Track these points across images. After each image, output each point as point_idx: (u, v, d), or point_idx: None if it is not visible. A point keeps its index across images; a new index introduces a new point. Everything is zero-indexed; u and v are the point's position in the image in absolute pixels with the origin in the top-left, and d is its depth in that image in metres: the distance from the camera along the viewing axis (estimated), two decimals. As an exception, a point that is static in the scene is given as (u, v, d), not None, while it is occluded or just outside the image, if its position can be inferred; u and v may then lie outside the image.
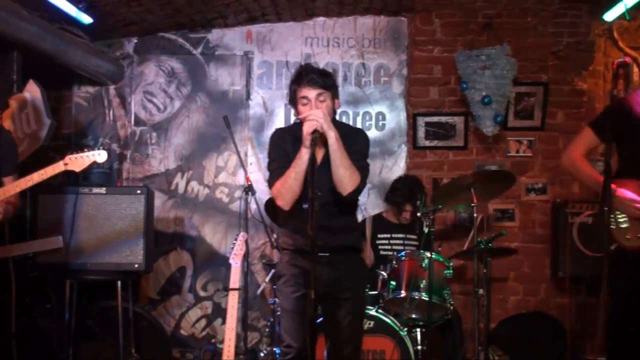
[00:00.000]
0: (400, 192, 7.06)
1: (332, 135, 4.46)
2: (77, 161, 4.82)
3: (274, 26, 8.13)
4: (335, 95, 4.70)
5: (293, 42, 8.13)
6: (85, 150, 4.87)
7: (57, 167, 4.82)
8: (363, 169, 4.70)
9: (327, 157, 4.56)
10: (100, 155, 4.84)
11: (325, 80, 4.64)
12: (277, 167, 4.73)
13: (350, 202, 4.77)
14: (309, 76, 4.62)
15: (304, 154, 4.43)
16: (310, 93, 4.58)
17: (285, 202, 4.63)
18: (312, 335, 4.11)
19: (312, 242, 4.04)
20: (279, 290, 4.96)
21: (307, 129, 4.40)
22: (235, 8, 7.56)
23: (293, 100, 4.71)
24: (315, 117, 4.42)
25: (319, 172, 4.46)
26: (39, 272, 6.71)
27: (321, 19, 8.08)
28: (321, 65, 7.79)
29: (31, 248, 6.38)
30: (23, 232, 6.79)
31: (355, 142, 4.74)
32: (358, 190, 4.63)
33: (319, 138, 4.43)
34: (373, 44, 8.11)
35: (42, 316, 7.00)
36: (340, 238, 4.75)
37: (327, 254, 4.62)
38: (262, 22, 8.07)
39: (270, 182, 4.76)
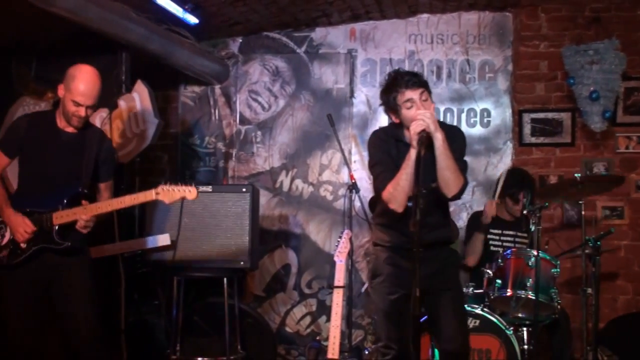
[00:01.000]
0: (513, 181, 6.98)
1: (439, 137, 4.46)
2: (169, 193, 4.85)
3: (378, 24, 8.08)
4: (431, 95, 4.70)
5: (397, 39, 8.05)
6: (179, 184, 4.89)
7: (149, 195, 4.86)
8: (464, 169, 4.73)
9: (427, 156, 4.50)
10: (190, 192, 4.86)
11: (421, 79, 4.67)
12: (383, 170, 4.75)
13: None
14: (407, 78, 4.65)
15: (412, 154, 4.45)
16: (414, 94, 4.59)
17: (398, 204, 4.62)
18: (416, 335, 4.30)
19: (417, 239, 4.03)
20: (374, 289, 5.00)
21: (415, 128, 4.41)
22: (338, 6, 7.55)
23: (393, 107, 4.70)
24: (424, 117, 4.41)
25: (422, 169, 4.41)
26: (148, 269, 6.83)
27: (425, 15, 7.99)
28: (425, 63, 7.90)
29: (140, 246, 6.51)
30: (132, 229, 6.94)
31: (454, 140, 4.70)
32: (462, 192, 4.66)
33: (425, 138, 4.42)
34: (478, 40, 7.99)
35: (150, 312, 7.13)
36: (437, 233, 4.78)
37: (424, 250, 4.45)
38: (366, 20, 8.03)
39: (379, 187, 4.77)
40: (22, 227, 4.91)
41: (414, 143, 4.42)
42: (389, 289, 4.77)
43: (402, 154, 4.60)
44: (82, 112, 4.93)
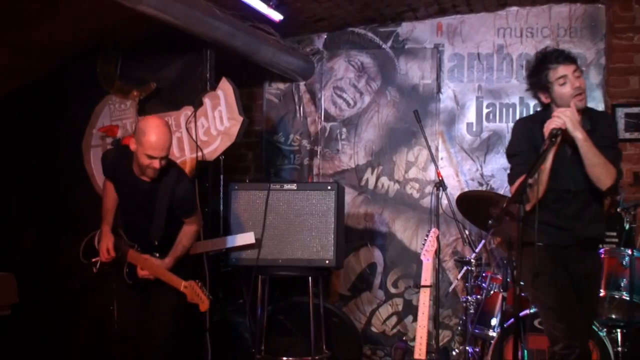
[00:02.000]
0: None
1: (579, 137, 4.48)
2: (191, 292, 5.25)
3: (465, 17, 8.02)
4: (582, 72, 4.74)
5: (485, 33, 7.98)
6: (204, 290, 5.29)
7: (179, 284, 5.30)
8: (616, 157, 4.71)
9: (569, 153, 4.60)
10: (203, 303, 5.27)
11: (573, 56, 4.72)
12: (519, 162, 4.80)
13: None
14: (558, 54, 4.68)
15: (549, 154, 4.49)
16: (568, 70, 4.61)
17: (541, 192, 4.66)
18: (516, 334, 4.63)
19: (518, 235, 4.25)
20: (537, 288, 4.86)
21: (549, 125, 4.46)
22: (425, 1, 7.55)
23: (544, 85, 4.70)
24: (561, 114, 4.45)
25: (570, 163, 4.59)
26: (232, 267, 6.87)
27: (514, 8, 7.92)
28: (514, 57, 7.82)
29: (224, 244, 6.54)
30: (217, 227, 6.99)
31: (604, 127, 4.74)
32: (616, 184, 4.68)
33: (562, 135, 4.46)
34: (569, 33, 7.84)
35: (235, 311, 7.19)
36: (593, 228, 4.76)
37: (579, 246, 4.71)
38: (453, 14, 8.00)
39: (511, 179, 4.85)
40: (106, 249, 5.45)
41: (547, 141, 4.45)
42: (554, 288, 4.73)
43: None
44: (156, 164, 5.12)
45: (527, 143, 4.77)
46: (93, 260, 5.64)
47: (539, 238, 4.68)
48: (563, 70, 4.59)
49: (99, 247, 5.47)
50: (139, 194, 5.32)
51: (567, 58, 4.64)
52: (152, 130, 5.06)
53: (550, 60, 4.65)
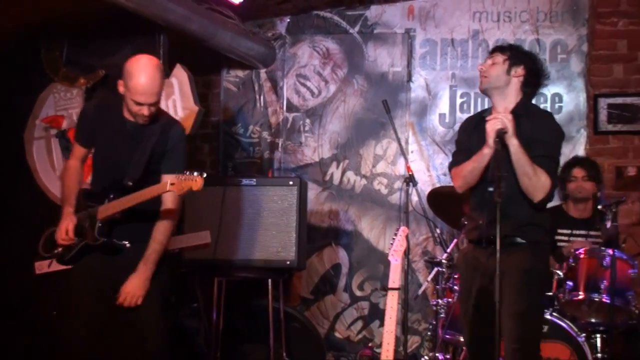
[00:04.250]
0: (566, 163, 6.91)
1: (514, 144, 4.53)
2: (180, 184, 4.69)
3: (438, 0, 7.97)
4: (515, 60, 4.76)
5: (459, 17, 7.92)
6: (189, 173, 4.72)
7: (164, 187, 4.76)
8: (551, 171, 4.71)
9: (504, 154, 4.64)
10: (195, 182, 4.66)
11: (505, 44, 4.89)
12: (456, 150, 5.03)
13: None
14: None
15: (486, 153, 4.58)
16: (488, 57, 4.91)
17: (458, 187, 4.89)
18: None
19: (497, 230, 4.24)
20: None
21: (494, 125, 4.51)
22: None
23: None
24: (505, 118, 4.50)
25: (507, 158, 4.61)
26: (186, 269, 6.87)
27: None
28: (490, 43, 7.73)
29: (178, 244, 6.42)
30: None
31: (543, 132, 4.77)
32: (549, 196, 4.70)
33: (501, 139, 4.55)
34: (549, 17, 7.79)
35: (189, 316, 7.17)
36: (523, 229, 4.73)
37: (504, 244, 4.54)
38: None
39: (450, 165, 5.04)
40: (65, 230, 4.94)
41: (490, 142, 4.51)
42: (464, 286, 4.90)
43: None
44: (145, 111, 4.85)
45: (464, 138, 4.95)
46: (54, 252, 5.23)
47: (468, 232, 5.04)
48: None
49: (58, 228, 4.98)
50: (122, 137, 5.04)
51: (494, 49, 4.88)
52: (140, 72, 4.78)
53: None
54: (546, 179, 4.60)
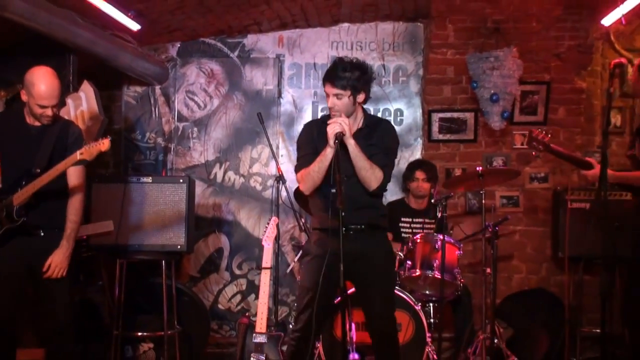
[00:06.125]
0: (410, 165, 7.29)
1: (351, 143, 4.70)
2: (89, 151, 4.80)
3: (303, 31, 8.30)
4: (357, 91, 4.83)
5: (320, 45, 8.29)
6: (94, 141, 4.90)
7: (74, 157, 4.83)
8: (387, 165, 4.92)
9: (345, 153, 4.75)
10: (104, 144, 4.82)
11: (344, 80, 4.80)
12: (302, 154, 5.04)
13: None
14: (330, 73, 4.88)
15: (328, 153, 4.69)
16: (331, 91, 4.83)
17: (306, 188, 4.97)
18: (343, 310, 4.62)
19: (338, 217, 4.38)
20: (303, 267, 5.24)
21: (334, 129, 4.62)
22: (268, 15, 7.75)
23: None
24: (343, 122, 4.65)
25: (346, 156, 4.72)
26: (93, 253, 6.86)
27: (346, 24, 8.26)
28: None
29: (85, 231, 6.42)
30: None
31: (381, 135, 4.98)
32: (382, 186, 4.89)
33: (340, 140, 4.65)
34: (392, 47, 8.28)
35: (95, 292, 7.24)
36: (366, 214, 4.95)
37: (352, 230, 4.83)
38: (293, 28, 8.26)
39: (296, 169, 5.06)
40: None
41: (331, 142, 4.64)
42: (314, 265, 4.91)
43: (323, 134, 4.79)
44: (49, 112, 5.04)
45: (308, 140, 5.03)
46: None
47: (315, 223, 5.14)
48: (327, 89, 4.88)
49: None
50: (27, 139, 5.15)
51: (331, 78, 4.84)
52: (41, 80, 4.94)
53: (325, 76, 4.93)
54: (379, 172, 4.80)
